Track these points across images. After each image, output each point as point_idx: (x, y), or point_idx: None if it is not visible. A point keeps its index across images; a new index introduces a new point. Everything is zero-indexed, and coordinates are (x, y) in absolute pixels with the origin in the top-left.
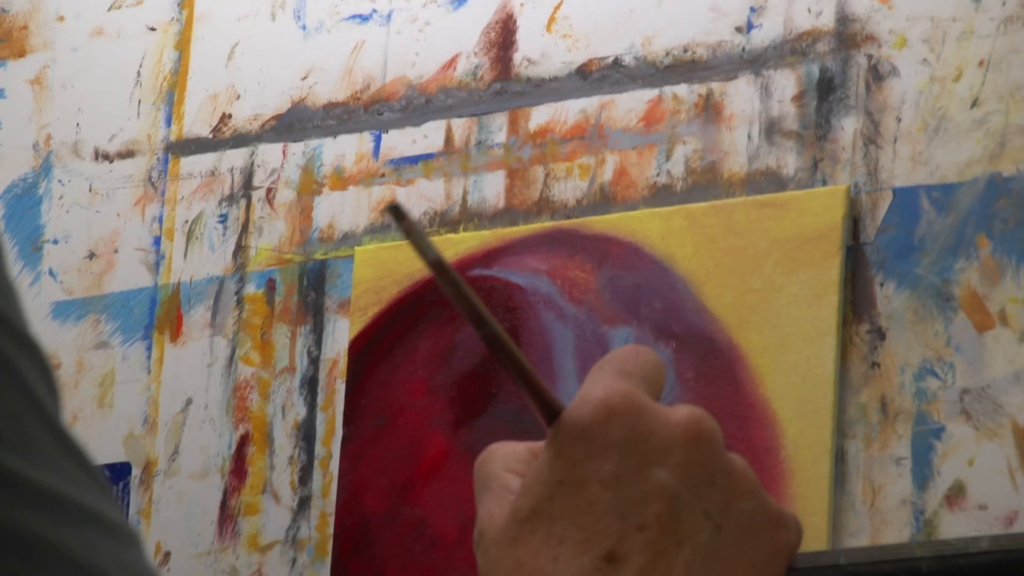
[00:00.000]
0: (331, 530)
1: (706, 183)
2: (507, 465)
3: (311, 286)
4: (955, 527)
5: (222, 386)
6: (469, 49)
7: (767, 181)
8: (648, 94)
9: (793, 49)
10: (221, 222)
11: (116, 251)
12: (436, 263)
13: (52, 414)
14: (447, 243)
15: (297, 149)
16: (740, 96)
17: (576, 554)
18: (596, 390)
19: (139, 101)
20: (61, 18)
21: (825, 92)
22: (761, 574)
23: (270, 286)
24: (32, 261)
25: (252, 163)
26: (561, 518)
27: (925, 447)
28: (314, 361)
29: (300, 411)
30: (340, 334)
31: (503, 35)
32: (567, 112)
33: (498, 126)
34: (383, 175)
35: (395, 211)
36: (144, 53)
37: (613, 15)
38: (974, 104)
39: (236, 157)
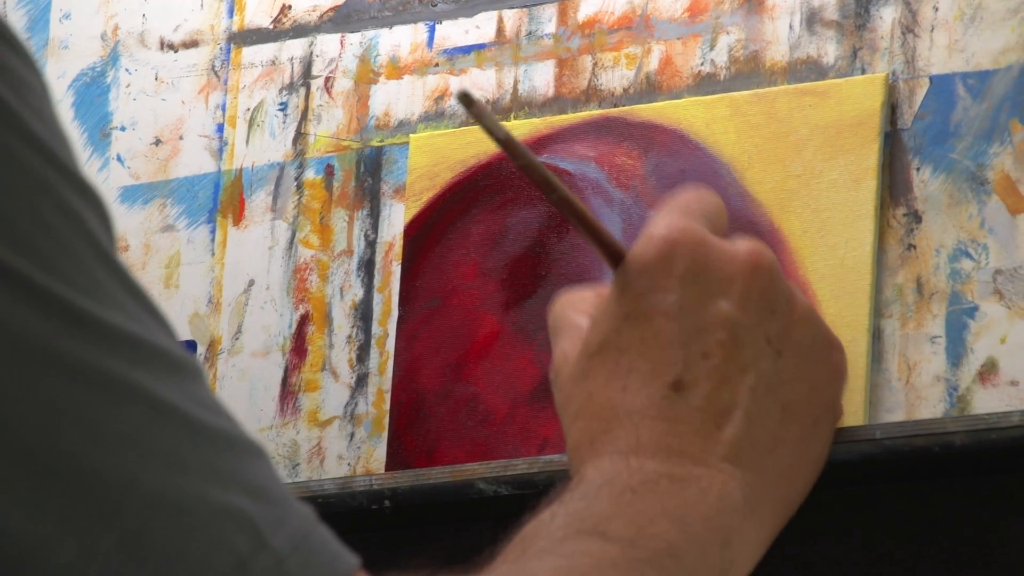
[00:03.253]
0: (387, 406)
1: (749, 72)
2: (576, 308)
3: (368, 172)
4: (987, 403)
5: (283, 268)
6: None
7: (808, 70)
8: None
9: None
10: (281, 110)
11: (181, 138)
12: (506, 141)
13: (115, 258)
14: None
15: (354, 40)
16: None
17: (644, 384)
18: (659, 228)
19: None
20: None
21: None
22: (821, 395)
23: (328, 172)
24: (101, 147)
25: (311, 53)
26: (628, 350)
27: (959, 326)
28: (371, 244)
29: (357, 292)
30: (396, 218)
31: None
32: (614, 3)
33: (547, 17)
34: (437, 64)
35: (464, 98)
36: None
37: None
38: None
39: (295, 47)
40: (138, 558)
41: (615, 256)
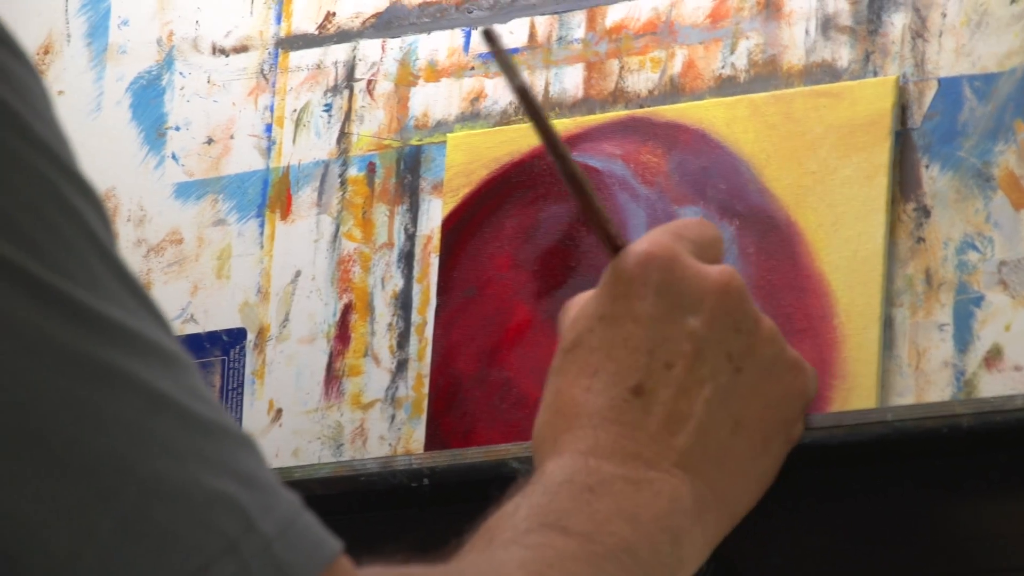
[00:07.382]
0: (426, 390)
1: (767, 75)
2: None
3: (407, 169)
4: (993, 387)
5: (327, 260)
6: None
7: (823, 72)
8: None
9: None
10: (326, 111)
11: (232, 137)
12: (521, 90)
13: (113, 254)
14: (531, 131)
15: (395, 44)
16: None
17: (607, 386)
18: (643, 242)
19: (252, 0)
20: None
21: None
22: (776, 413)
23: (370, 169)
24: (156, 146)
25: (354, 57)
26: (598, 350)
27: (966, 314)
28: (410, 237)
29: (398, 283)
30: (434, 213)
31: None
32: (640, 10)
33: (577, 23)
34: (472, 68)
35: (488, 35)
36: None
37: None
38: (1013, 0)
39: (339, 52)
40: (133, 541)
41: (614, 246)
